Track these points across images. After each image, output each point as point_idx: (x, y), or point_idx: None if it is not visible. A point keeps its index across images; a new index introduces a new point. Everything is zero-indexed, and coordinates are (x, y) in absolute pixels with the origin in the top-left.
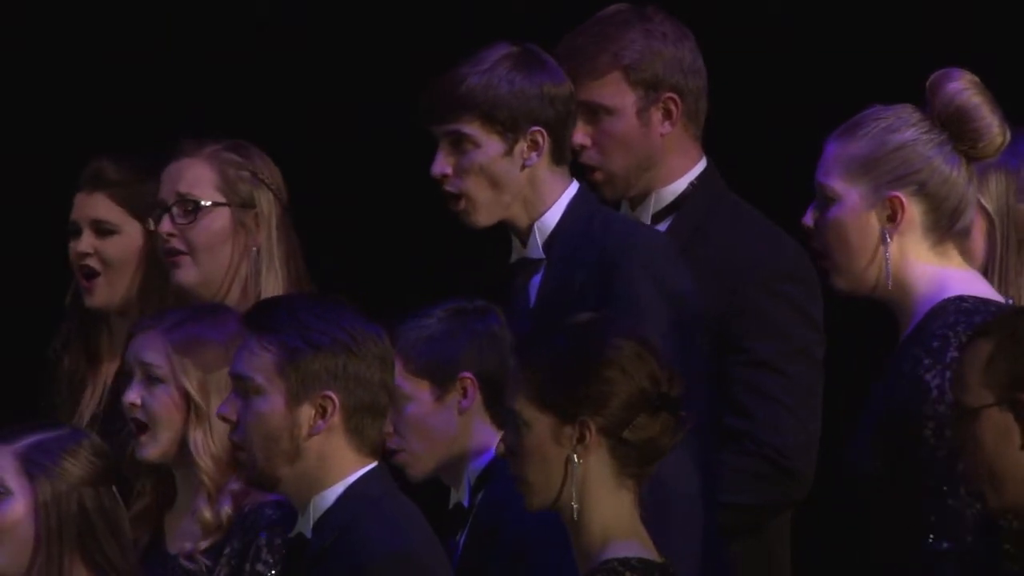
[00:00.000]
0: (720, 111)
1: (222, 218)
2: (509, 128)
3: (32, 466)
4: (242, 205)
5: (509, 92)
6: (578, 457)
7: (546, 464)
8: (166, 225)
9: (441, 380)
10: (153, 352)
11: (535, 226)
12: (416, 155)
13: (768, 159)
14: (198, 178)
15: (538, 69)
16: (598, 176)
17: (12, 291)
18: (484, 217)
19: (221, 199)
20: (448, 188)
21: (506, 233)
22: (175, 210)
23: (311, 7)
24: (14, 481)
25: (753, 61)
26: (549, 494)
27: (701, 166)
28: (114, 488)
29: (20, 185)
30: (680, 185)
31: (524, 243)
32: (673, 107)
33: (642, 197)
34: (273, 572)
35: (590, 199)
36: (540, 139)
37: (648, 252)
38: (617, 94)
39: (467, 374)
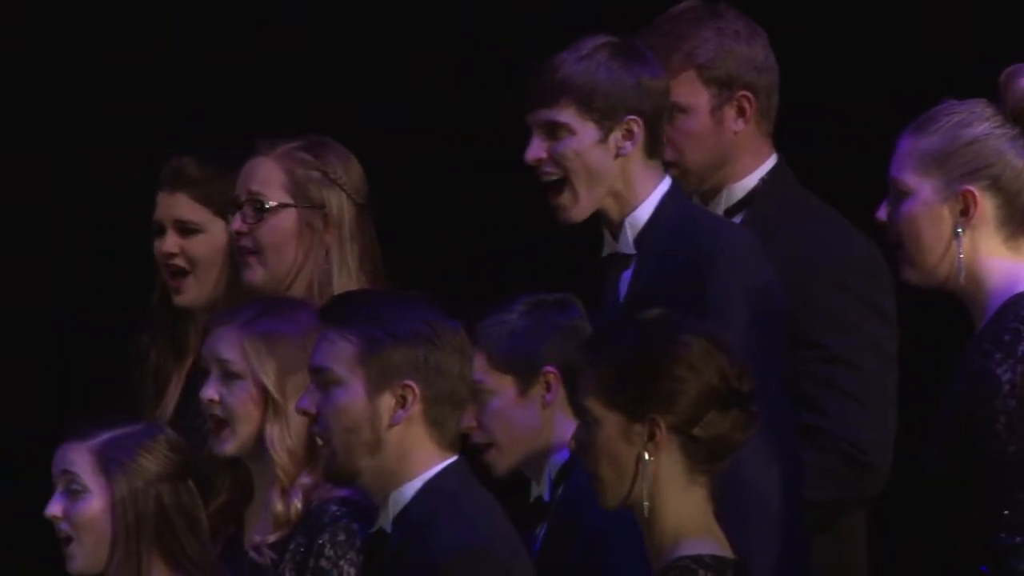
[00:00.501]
0: (793, 106)
1: (288, 218)
2: (605, 116)
3: (108, 463)
4: (310, 206)
5: (607, 80)
6: (648, 455)
7: (617, 462)
8: (237, 223)
9: (525, 374)
10: (229, 348)
11: (626, 221)
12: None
13: (841, 154)
14: (267, 178)
15: (637, 60)
16: (673, 172)
17: (95, 287)
18: (578, 210)
19: (288, 199)
20: (545, 171)
21: (589, 227)
22: (246, 209)
23: (311, 7)
24: (91, 479)
25: (826, 56)
26: (621, 491)
27: (772, 162)
28: (191, 483)
29: (17, 185)
30: (751, 181)
31: (616, 237)
32: (746, 105)
33: (714, 193)
34: (336, 568)
35: (681, 195)
36: (635, 128)
37: (738, 251)
38: (691, 93)
39: (550, 368)
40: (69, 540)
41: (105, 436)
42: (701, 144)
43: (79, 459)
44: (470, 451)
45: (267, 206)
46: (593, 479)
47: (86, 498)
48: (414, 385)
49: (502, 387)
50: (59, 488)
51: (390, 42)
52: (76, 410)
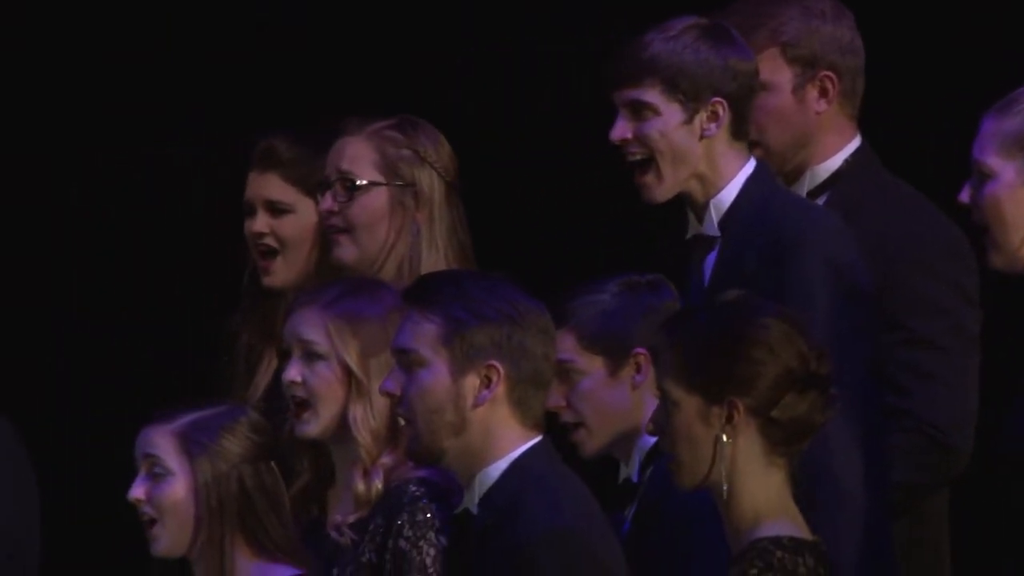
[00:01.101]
0: (875, 89)
1: (379, 197)
2: (690, 97)
3: (191, 445)
4: (401, 184)
5: (694, 60)
6: (726, 437)
7: (695, 444)
8: (327, 202)
9: (615, 355)
10: (312, 329)
11: (711, 203)
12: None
13: (924, 136)
14: (358, 156)
15: (725, 42)
16: (755, 152)
17: (187, 269)
18: (662, 190)
19: (379, 178)
20: (630, 151)
21: (671, 208)
22: (336, 188)
23: (311, 7)
24: (174, 461)
25: (909, 40)
26: (698, 473)
27: (855, 144)
28: (274, 465)
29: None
30: (835, 163)
31: (700, 219)
32: (830, 85)
33: (797, 174)
34: (415, 549)
35: (767, 177)
36: (720, 111)
37: (824, 233)
38: (774, 70)
39: (641, 350)
40: (152, 523)
41: (187, 419)
42: (782, 123)
43: (162, 442)
44: (559, 430)
45: (358, 184)
46: (671, 460)
47: (169, 481)
48: (498, 365)
49: (592, 367)
50: (142, 471)
51: (390, 42)
52: (162, 393)
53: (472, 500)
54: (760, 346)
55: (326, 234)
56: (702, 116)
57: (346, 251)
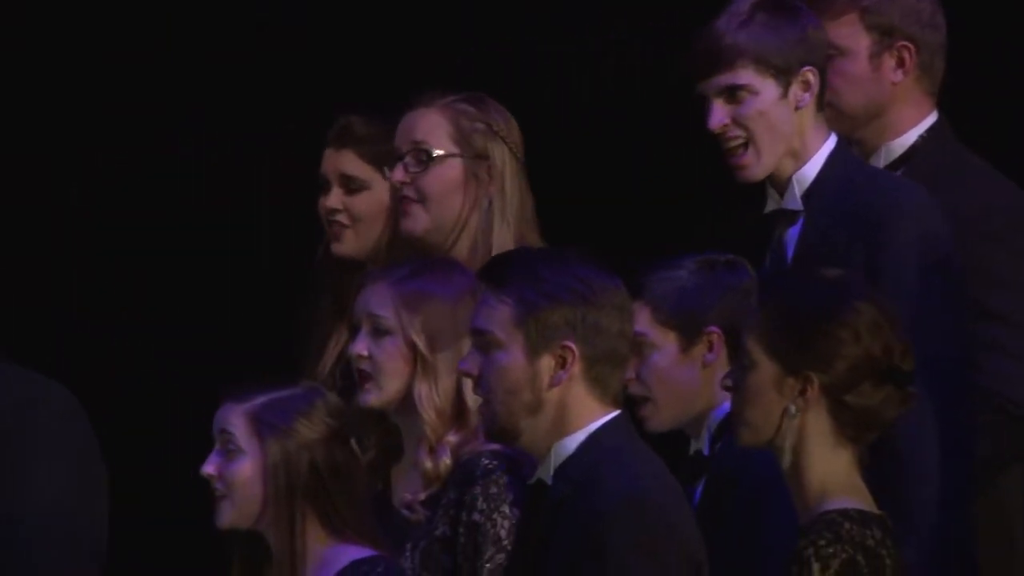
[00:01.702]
0: (958, 66)
1: (454, 168)
2: (782, 71)
3: (263, 426)
4: (475, 156)
5: (775, 36)
6: (795, 409)
7: (764, 408)
8: (399, 173)
9: (688, 332)
10: (381, 304)
11: (794, 177)
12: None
13: (1002, 113)
14: (433, 128)
15: (796, 12)
16: (826, 113)
17: (260, 245)
18: (762, 168)
19: (454, 149)
20: (730, 135)
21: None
22: (408, 159)
23: (311, 7)
24: (245, 441)
25: (985, 15)
26: (761, 436)
27: (932, 119)
28: (351, 444)
29: (17, 185)
30: (909, 138)
31: (781, 193)
32: (907, 56)
33: (867, 146)
34: (489, 521)
35: (849, 152)
36: (811, 79)
37: (917, 209)
38: (851, 36)
39: (714, 329)
40: (222, 498)
41: (262, 399)
42: (856, 88)
43: (236, 420)
44: (627, 402)
45: (434, 155)
46: (737, 416)
47: (240, 459)
48: (572, 346)
49: (664, 343)
50: (217, 446)
51: (390, 42)
52: (239, 369)
53: (547, 471)
54: (847, 328)
55: (397, 205)
56: (795, 88)
57: (417, 221)
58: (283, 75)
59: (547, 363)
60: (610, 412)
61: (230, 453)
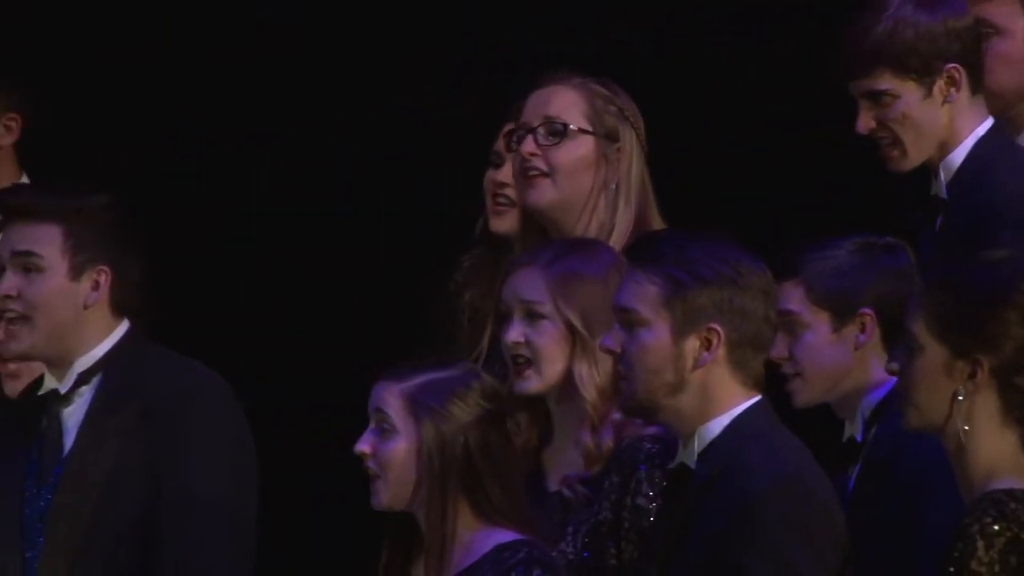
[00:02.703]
0: None
1: (586, 145)
2: (922, 72)
3: (419, 407)
4: (607, 137)
5: (915, 36)
6: (965, 392)
7: (933, 391)
8: (529, 145)
9: (841, 313)
10: (533, 289)
11: (941, 165)
12: None
13: None
14: (568, 104)
15: (939, 4)
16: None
17: (415, 225)
18: (909, 163)
19: (588, 127)
20: (879, 136)
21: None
22: (540, 131)
23: (311, 7)
24: (400, 421)
25: None
26: (930, 420)
27: None
28: (505, 430)
29: None
30: None
31: (936, 179)
32: None
33: (1018, 125)
34: (653, 505)
35: (1002, 138)
36: (956, 75)
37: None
38: (1010, 15)
39: (868, 310)
40: (376, 477)
41: (419, 379)
42: (1010, 68)
43: (391, 400)
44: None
45: (570, 129)
46: (904, 401)
47: (394, 439)
48: (718, 328)
49: (817, 322)
50: (371, 425)
51: (390, 42)
52: (398, 347)
53: (691, 455)
54: (1016, 309)
55: (522, 177)
56: (939, 85)
57: (544, 194)
58: (283, 75)
59: (692, 344)
60: (752, 396)
61: (384, 432)
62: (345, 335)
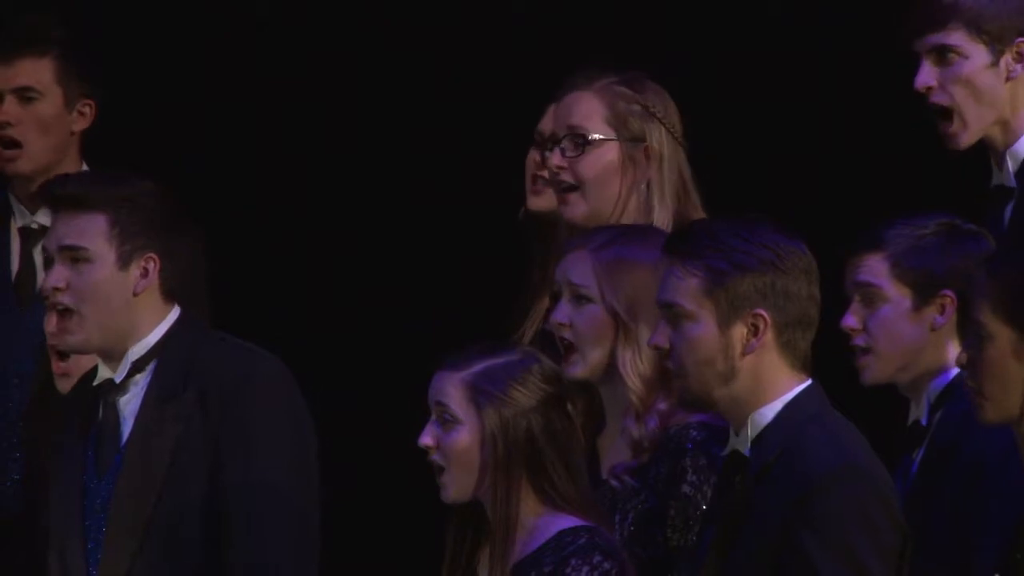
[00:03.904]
0: None
1: (611, 152)
2: (996, 39)
3: (480, 395)
4: (632, 139)
5: (994, 2)
6: None
7: (1004, 378)
8: (556, 158)
9: (923, 291)
10: (581, 272)
11: (1007, 152)
12: None
13: None
14: (589, 112)
15: None
16: None
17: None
18: (968, 136)
19: (611, 134)
20: (934, 99)
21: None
22: (565, 143)
23: (311, 7)
24: (462, 410)
25: None
26: (1004, 409)
27: None
28: (567, 412)
29: None
30: None
31: (999, 168)
32: None
33: None
34: (699, 493)
35: None
36: None
37: None
38: None
39: (949, 292)
40: (442, 470)
41: (478, 366)
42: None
43: (451, 390)
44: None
45: (591, 139)
46: (976, 393)
47: (457, 429)
48: (764, 313)
49: (897, 297)
50: (433, 417)
51: (390, 42)
52: (454, 333)
53: (744, 442)
54: None
55: (553, 190)
56: (1008, 57)
57: (576, 209)
58: (283, 75)
59: (739, 331)
60: (803, 380)
61: (446, 423)
62: (400, 326)
